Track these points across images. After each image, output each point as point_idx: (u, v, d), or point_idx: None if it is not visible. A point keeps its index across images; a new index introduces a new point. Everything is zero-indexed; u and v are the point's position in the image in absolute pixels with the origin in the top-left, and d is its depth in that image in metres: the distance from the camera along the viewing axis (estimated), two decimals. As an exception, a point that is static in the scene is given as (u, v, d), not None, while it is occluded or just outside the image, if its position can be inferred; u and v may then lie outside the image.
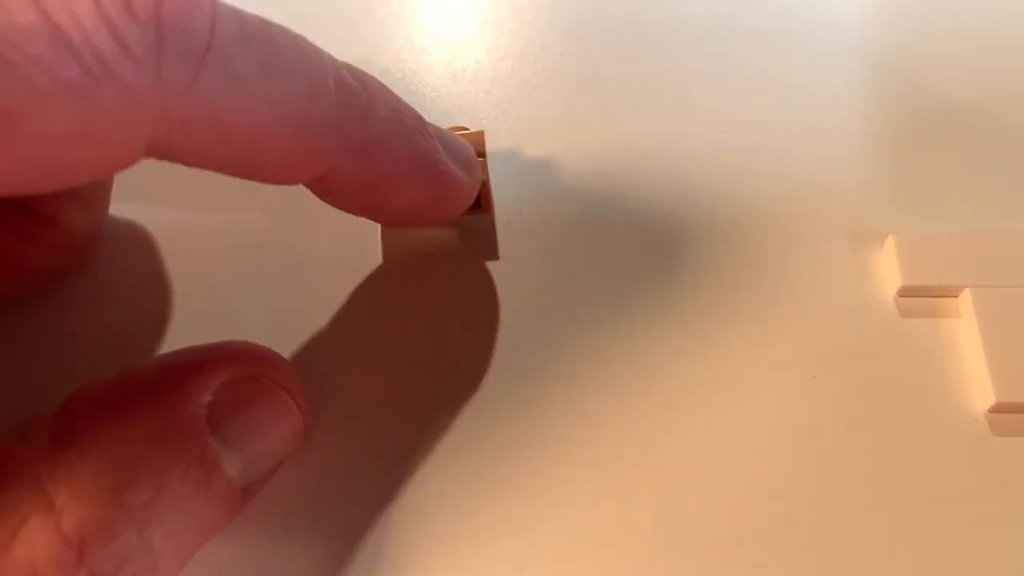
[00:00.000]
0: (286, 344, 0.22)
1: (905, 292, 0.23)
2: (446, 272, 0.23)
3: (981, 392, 0.22)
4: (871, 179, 0.25)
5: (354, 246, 0.23)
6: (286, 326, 0.22)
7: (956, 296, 0.23)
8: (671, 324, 0.23)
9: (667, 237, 0.24)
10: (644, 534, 0.20)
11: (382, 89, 0.18)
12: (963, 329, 0.23)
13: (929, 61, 0.28)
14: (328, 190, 0.18)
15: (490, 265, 0.23)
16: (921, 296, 0.23)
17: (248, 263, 0.23)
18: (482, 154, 0.22)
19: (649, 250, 0.24)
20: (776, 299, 0.23)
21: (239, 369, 0.18)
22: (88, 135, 0.13)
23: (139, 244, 0.23)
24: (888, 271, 0.23)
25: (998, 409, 0.21)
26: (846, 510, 0.21)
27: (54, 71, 0.12)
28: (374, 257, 0.23)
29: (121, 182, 0.23)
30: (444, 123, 0.25)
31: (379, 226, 0.24)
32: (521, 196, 0.25)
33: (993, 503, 0.21)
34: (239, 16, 0.15)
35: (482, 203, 0.22)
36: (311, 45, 0.17)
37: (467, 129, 0.23)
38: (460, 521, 0.20)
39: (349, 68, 0.18)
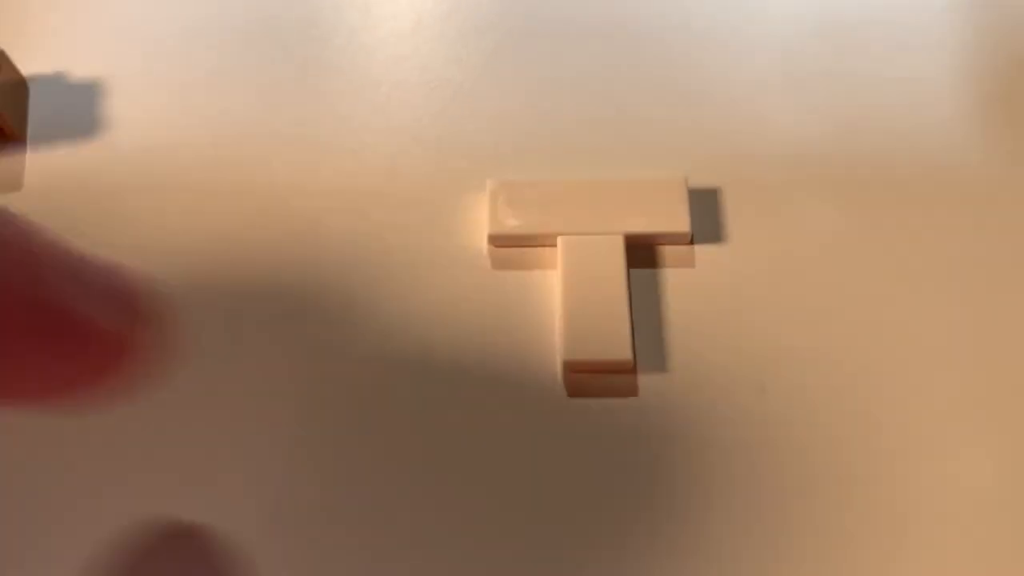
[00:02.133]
0: None
1: (497, 241, 0.21)
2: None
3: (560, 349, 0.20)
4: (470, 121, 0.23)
5: None
6: None
7: (554, 245, 0.21)
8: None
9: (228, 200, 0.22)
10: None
11: None
12: (557, 281, 0.21)
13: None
14: None
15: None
16: (517, 246, 0.21)
17: None
18: None
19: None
20: (357, 249, 0.22)
21: None
22: None
23: None
24: (484, 219, 0.22)
25: (571, 368, 0.20)
26: (418, 475, 0.19)
27: None
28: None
29: None
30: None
31: None
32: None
33: (563, 468, 0.19)
34: None
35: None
36: None
37: None
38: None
39: None
